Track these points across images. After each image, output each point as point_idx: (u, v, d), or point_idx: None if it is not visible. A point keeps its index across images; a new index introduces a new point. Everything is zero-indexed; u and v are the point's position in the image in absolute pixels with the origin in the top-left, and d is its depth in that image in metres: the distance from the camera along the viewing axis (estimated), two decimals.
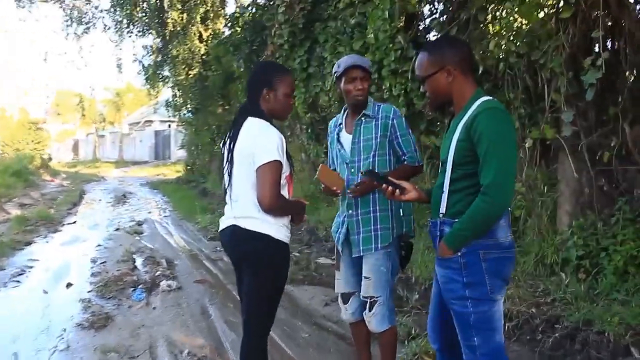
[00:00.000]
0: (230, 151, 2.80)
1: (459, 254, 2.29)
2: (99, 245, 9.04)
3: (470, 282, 2.28)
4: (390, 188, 2.55)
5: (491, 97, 2.39)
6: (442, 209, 2.37)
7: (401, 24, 6.10)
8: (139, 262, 7.63)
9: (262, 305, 2.82)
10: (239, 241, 2.79)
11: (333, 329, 4.72)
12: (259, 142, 2.67)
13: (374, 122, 3.19)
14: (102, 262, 7.61)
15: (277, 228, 2.76)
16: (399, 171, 3.12)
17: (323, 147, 9.82)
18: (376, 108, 3.22)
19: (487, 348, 2.31)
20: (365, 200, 3.18)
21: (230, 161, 2.80)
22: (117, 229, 10.75)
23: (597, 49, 4.10)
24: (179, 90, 19.81)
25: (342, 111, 3.39)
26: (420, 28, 6.83)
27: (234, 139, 2.80)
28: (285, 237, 2.80)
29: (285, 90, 2.83)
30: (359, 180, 3.12)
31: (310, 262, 7.14)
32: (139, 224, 11.49)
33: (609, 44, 4.29)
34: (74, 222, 12.05)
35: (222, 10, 18.33)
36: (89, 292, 6.09)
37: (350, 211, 3.23)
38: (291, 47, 8.89)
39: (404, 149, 3.19)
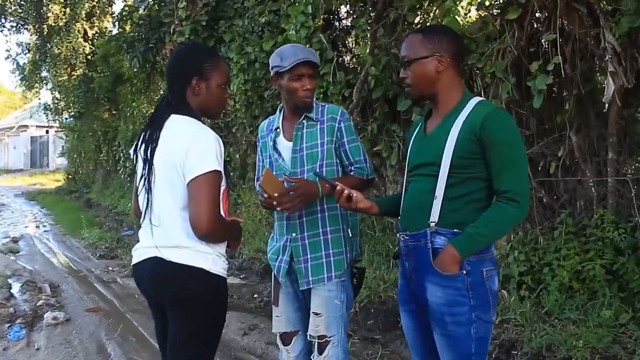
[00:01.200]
0: (149, 159, 2.16)
1: (464, 272, 2.02)
2: None
3: (477, 305, 2.03)
4: (345, 192, 2.25)
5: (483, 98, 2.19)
6: (434, 218, 2.06)
7: (320, 22, 5.64)
8: (15, 288, 6.52)
9: (196, 357, 2.20)
10: (163, 278, 2.14)
11: None
12: (192, 147, 2.06)
13: (318, 126, 2.66)
14: None
15: (213, 259, 2.16)
16: (344, 181, 2.55)
17: (225, 156, 9.15)
18: (320, 109, 2.69)
19: None
20: (313, 220, 2.63)
21: (149, 172, 2.16)
22: None
23: (545, 55, 3.86)
24: (60, 92, 18.24)
25: (278, 112, 2.82)
26: (340, 28, 6.41)
27: (153, 143, 2.17)
28: (222, 269, 2.21)
29: (220, 79, 2.25)
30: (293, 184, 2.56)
31: None
32: (15, 240, 10.16)
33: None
34: None
35: (110, 8, 17.12)
36: None
37: (294, 234, 2.65)
38: None
39: (351, 157, 2.67)
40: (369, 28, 5.07)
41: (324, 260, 2.62)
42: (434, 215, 2.05)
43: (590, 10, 3.68)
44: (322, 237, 2.63)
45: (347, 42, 6.57)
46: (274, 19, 6.84)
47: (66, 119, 19.52)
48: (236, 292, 6.10)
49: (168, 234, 2.13)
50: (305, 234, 2.64)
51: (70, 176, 22.19)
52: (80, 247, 9.52)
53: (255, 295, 5.96)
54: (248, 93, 7.55)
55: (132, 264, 2.31)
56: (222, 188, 2.18)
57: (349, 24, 6.35)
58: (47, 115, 20.58)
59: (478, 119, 1.99)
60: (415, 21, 5.43)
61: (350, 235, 2.70)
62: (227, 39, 7.60)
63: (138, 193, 2.26)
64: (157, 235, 2.16)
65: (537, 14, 3.92)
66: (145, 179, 2.18)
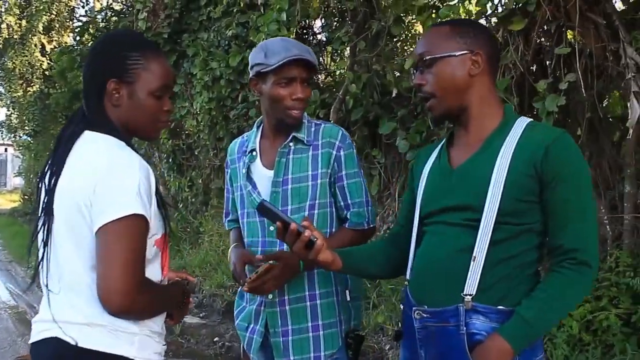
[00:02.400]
0: (49, 195, 1.51)
1: None
2: None
3: None
4: (306, 234, 1.55)
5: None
6: (471, 289, 1.44)
7: (294, 34, 5.08)
8: None
9: None
10: None
11: None
12: (102, 179, 1.42)
13: (310, 152, 1.99)
14: None
15: (140, 341, 1.50)
16: (337, 240, 1.92)
17: (187, 180, 8.54)
18: (313, 129, 2.02)
19: None
20: (297, 280, 1.95)
21: (47, 213, 1.50)
22: None
23: (553, 72, 3.36)
24: (14, 109, 17.32)
25: (255, 128, 2.14)
26: (313, 44, 5.88)
27: (55, 174, 1.51)
28: (156, 355, 1.55)
29: (152, 84, 1.55)
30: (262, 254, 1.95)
31: None
32: None
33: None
34: None
35: (70, 22, 16.35)
36: None
37: (270, 296, 1.97)
38: None
39: (348, 197, 1.99)
40: (348, 39, 4.51)
41: (311, 334, 1.96)
42: (471, 285, 1.44)
43: (609, 22, 3.19)
44: (308, 303, 1.97)
45: (321, 58, 6.04)
46: (242, 32, 6.29)
47: (21, 136, 18.62)
48: (194, 334, 5.41)
49: (72, 305, 1.47)
50: (286, 297, 1.96)
51: (26, 197, 21.16)
52: (25, 277, 8.67)
53: (216, 339, 5.27)
54: (212, 112, 6.94)
55: (29, 342, 1.64)
56: (156, 238, 1.53)
57: (324, 39, 5.83)
58: (2, 133, 19.63)
59: (539, 146, 1.43)
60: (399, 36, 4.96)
61: (349, 298, 2.02)
62: (191, 53, 7.02)
63: (33, 239, 1.58)
64: (57, 305, 1.49)
65: (545, 26, 3.40)
66: (42, 222, 1.51)
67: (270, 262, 1.81)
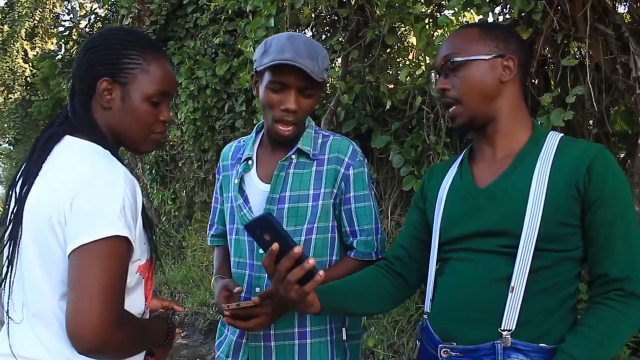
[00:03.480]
0: (19, 207, 1.30)
1: None
2: None
3: None
4: (311, 262, 1.30)
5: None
6: (509, 323, 1.29)
7: None
8: None
9: None
10: None
11: None
12: (80, 194, 1.20)
13: (314, 168, 1.73)
14: None
15: None
16: (338, 270, 1.69)
17: (170, 193, 8.28)
18: (320, 141, 1.77)
19: None
20: (286, 313, 1.72)
21: (15, 226, 1.29)
22: None
23: (558, 85, 3.18)
24: None
25: (254, 133, 1.89)
26: None
27: (27, 181, 1.31)
28: None
29: (148, 88, 1.37)
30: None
31: None
32: None
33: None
34: None
35: (55, 30, 16.08)
36: None
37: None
38: None
39: (356, 223, 1.74)
40: (341, 48, 4.32)
41: None
42: (510, 319, 1.29)
43: (618, 33, 3.02)
44: (296, 341, 1.72)
45: None
46: (230, 40, 6.12)
47: (1, 144, 18.28)
48: (174, 355, 5.16)
49: (37, 338, 1.25)
50: (272, 332, 1.72)
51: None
52: None
53: None
54: (197, 123, 6.74)
55: None
56: (140, 263, 1.33)
57: None
58: None
59: (580, 164, 1.30)
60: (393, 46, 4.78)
61: (345, 337, 1.76)
62: (176, 61, 6.81)
63: None
64: (18, 337, 1.27)
65: (550, 37, 3.22)
66: (9, 236, 1.30)
67: (256, 298, 1.57)
